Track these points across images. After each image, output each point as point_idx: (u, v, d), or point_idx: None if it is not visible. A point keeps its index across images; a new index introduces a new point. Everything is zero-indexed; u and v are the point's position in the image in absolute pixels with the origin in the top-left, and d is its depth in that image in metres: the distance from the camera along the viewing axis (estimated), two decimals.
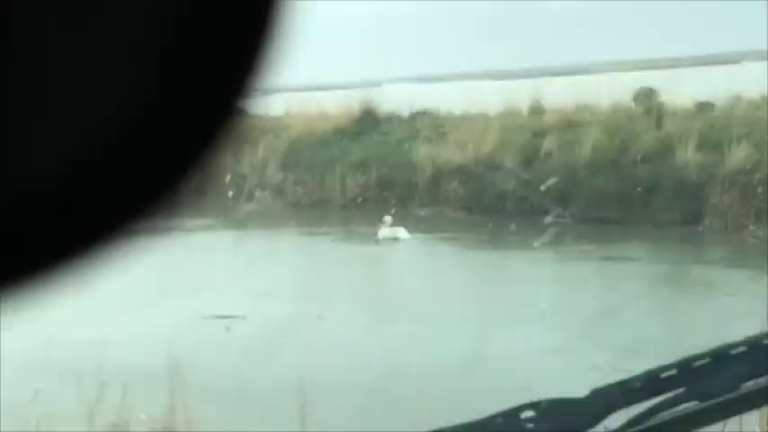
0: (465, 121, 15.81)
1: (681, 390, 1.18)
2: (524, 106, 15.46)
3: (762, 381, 1.20)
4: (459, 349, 7.37)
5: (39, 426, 6.58)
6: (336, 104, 17.86)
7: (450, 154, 14.93)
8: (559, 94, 15.31)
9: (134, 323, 9.19)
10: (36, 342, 7.97)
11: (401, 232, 12.59)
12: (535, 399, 1.19)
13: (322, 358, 7.52)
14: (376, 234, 12.43)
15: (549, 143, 14.41)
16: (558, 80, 15.26)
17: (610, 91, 15.07)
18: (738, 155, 12.83)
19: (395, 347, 7.76)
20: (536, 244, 11.16)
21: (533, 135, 14.67)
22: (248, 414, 6.77)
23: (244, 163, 16.14)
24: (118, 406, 6.55)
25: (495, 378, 6.69)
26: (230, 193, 14.11)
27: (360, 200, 15.49)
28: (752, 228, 12.22)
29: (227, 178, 13.23)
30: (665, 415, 1.18)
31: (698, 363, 1.21)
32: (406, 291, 10.23)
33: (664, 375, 1.19)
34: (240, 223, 14.24)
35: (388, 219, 12.80)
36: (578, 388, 1.21)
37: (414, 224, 13.13)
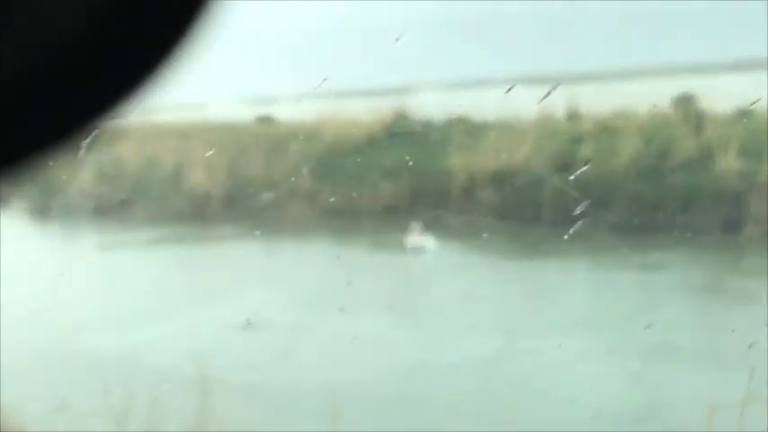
0: (499, 127, 15.65)
1: None
2: (560, 112, 15.27)
3: None
4: (488, 353, 7.23)
5: None
6: (369, 111, 17.75)
7: (484, 161, 14.78)
8: (596, 100, 15.12)
9: (166, 330, 9.13)
10: (64, 349, 7.89)
11: (429, 241, 12.44)
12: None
13: (351, 365, 7.41)
14: (405, 242, 12.29)
15: (585, 149, 14.22)
16: (595, 85, 15.04)
17: (647, 96, 14.86)
18: None
19: (423, 355, 7.62)
20: (571, 251, 11.00)
21: (569, 141, 14.48)
22: (280, 420, 6.69)
23: (275, 170, 16.10)
24: (146, 413, 6.46)
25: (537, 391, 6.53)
26: (261, 200, 14.02)
27: (392, 207, 15.33)
28: None
29: (257, 185, 13.14)
30: None
31: None
32: (433, 300, 10.08)
33: None
34: (270, 231, 14.16)
35: (416, 226, 12.65)
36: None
37: (446, 232, 12.98)
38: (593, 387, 7.24)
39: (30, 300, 7.82)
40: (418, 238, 12.55)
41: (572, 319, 8.93)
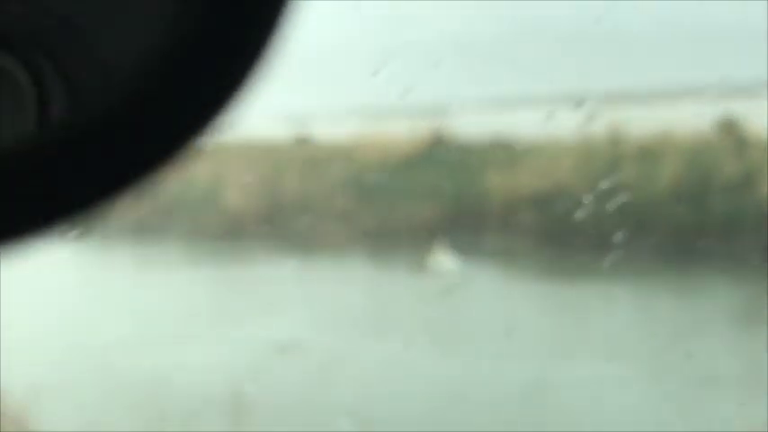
0: (539, 148, 15.51)
1: None
2: (601, 134, 15.11)
3: None
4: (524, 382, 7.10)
5: None
6: (407, 130, 17.69)
7: (524, 182, 14.65)
8: (637, 122, 14.97)
9: (199, 350, 9.08)
10: (95, 369, 7.83)
11: (464, 265, 12.31)
12: None
13: (387, 392, 7.31)
14: (440, 265, 12.18)
15: (626, 173, 14.06)
16: (637, 107, 14.90)
17: (690, 119, 14.69)
18: None
19: (458, 385, 7.50)
20: (610, 277, 10.85)
21: (610, 164, 14.31)
22: None
23: (311, 189, 16.07)
24: None
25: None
26: (297, 221, 13.98)
27: (428, 229, 15.22)
28: None
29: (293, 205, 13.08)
30: None
31: None
32: (467, 326, 9.97)
33: None
34: (306, 252, 14.11)
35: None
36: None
37: (482, 255, 12.85)
38: (634, 415, 7.10)
39: (61, 318, 7.78)
40: (453, 261, 12.43)
41: (611, 347, 8.78)
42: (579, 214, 13.51)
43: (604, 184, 14.04)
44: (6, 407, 6.61)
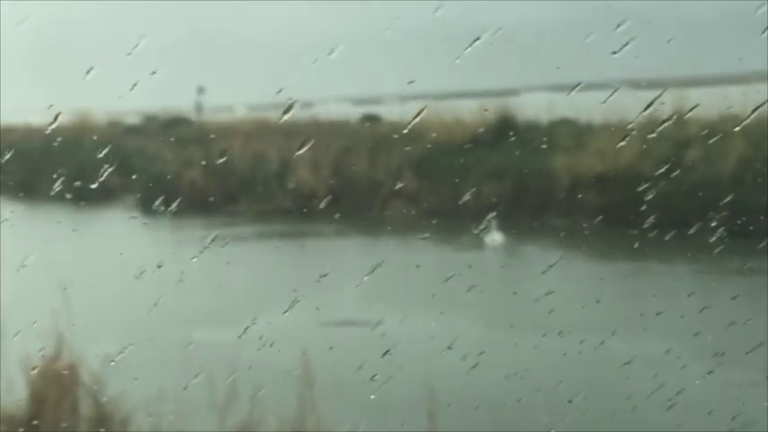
0: (605, 129, 15.55)
1: None
2: (669, 114, 15.09)
3: None
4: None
5: (171, 425, 6.68)
6: (474, 112, 17.79)
7: (589, 163, 14.71)
8: (706, 102, 14.89)
9: (269, 325, 9.29)
10: (166, 341, 8.10)
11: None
12: None
13: (449, 367, 7.45)
14: (505, 243, 12.33)
15: (692, 153, 14.06)
16: (705, 87, 14.85)
17: (758, 99, 14.61)
18: None
19: (523, 356, 7.63)
20: (672, 255, 10.89)
21: (676, 145, 14.32)
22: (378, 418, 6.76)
23: (379, 170, 16.23)
24: (248, 406, 6.61)
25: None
26: (364, 198, 14.16)
27: (493, 208, 15.34)
28: None
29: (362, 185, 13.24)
30: None
31: None
32: (531, 302, 10.10)
33: None
34: (372, 230, 14.30)
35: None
36: None
37: (547, 233, 12.96)
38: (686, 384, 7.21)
39: (134, 289, 8.06)
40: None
41: (669, 323, 8.87)
42: (644, 193, 13.57)
43: (669, 164, 14.06)
44: None
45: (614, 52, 4.67)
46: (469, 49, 4.50)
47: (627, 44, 4.59)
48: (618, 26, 4.56)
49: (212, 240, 12.74)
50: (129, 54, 4.77)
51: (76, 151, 13.25)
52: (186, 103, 29.96)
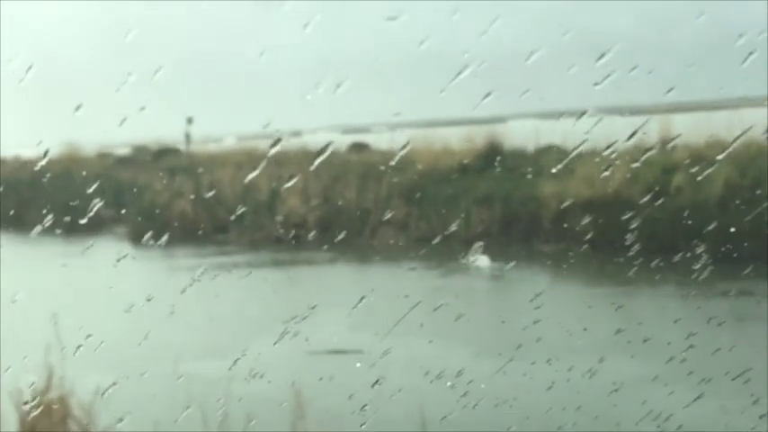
0: (592, 156, 15.61)
1: None
2: (653, 141, 15.19)
3: None
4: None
5: None
6: (461, 140, 17.87)
7: (576, 190, 14.76)
8: (689, 129, 15.00)
9: (259, 356, 9.30)
10: (158, 372, 8.11)
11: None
12: None
13: (439, 395, 7.48)
14: (491, 268, 12.40)
15: (678, 179, 14.14)
16: (688, 115, 14.97)
17: (741, 126, 14.71)
18: None
19: (513, 381, 7.66)
20: (659, 279, 10.95)
21: (663, 171, 14.41)
22: None
23: (368, 199, 16.30)
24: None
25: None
26: (353, 226, 14.19)
27: (482, 235, 15.40)
28: None
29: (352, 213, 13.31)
30: None
31: None
32: (520, 328, 10.15)
33: None
34: (361, 258, 14.33)
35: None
36: None
37: (534, 259, 13.00)
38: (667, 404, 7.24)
39: (124, 322, 8.07)
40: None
41: (656, 346, 8.92)
42: (632, 219, 13.66)
43: (655, 190, 14.14)
44: None
45: (596, 83, 4.75)
46: (455, 80, 4.57)
47: (609, 76, 4.66)
48: (600, 57, 4.64)
49: (202, 273, 12.78)
50: (117, 90, 4.83)
51: (66, 185, 13.27)
52: (175, 133, 30.02)
